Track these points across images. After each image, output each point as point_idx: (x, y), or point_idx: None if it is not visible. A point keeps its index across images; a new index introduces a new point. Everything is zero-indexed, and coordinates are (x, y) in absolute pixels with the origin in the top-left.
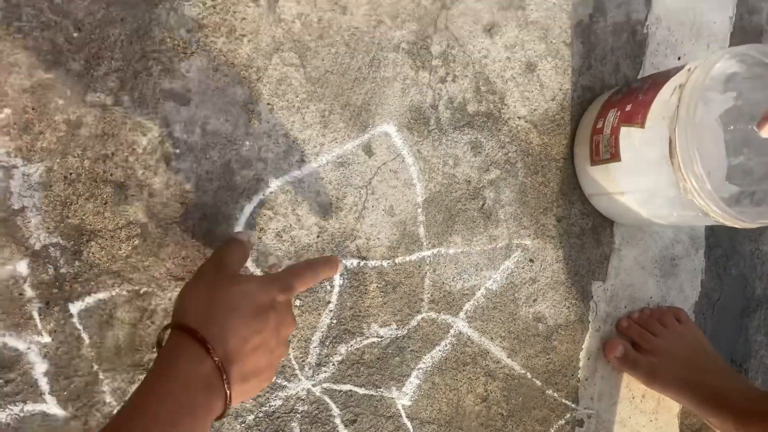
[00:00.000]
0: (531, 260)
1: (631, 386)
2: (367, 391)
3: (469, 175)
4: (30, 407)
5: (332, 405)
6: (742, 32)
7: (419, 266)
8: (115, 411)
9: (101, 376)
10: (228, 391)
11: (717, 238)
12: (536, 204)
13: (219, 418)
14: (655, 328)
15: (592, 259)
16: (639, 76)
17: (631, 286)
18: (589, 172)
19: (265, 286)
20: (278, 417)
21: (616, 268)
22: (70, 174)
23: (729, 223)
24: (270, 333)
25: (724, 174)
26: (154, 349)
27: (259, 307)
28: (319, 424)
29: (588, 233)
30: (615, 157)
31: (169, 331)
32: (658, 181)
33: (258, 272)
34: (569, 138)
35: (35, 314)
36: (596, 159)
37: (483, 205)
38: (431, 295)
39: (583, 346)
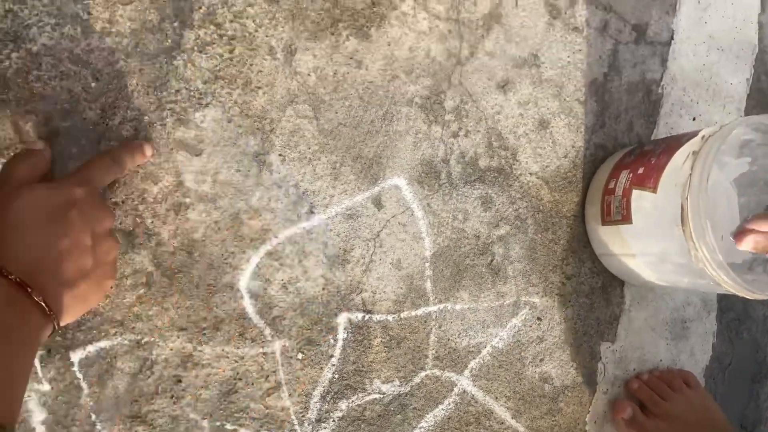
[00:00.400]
0: (539, 318)
1: None
2: None
3: (478, 231)
4: None
5: None
6: (759, 94)
7: (425, 321)
8: None
9: (98, 427)
10: (42, 303)
11: (729, 302)
12: (545, 261)
13: (53, 333)
14: (665, 392)
15: (602, 319)
16: (653, 136)
17: (640, 348)
18: (599, 231)
19: (54, 188)
20: None
21: (626, 329)
22: None
23: (741, 294)
24: (78, 231)
25: None
26: (154, 398)
27: (52, 210)
28: None
29: (598, 292)
30: (626, 219)
31: None
32: (669, 246)
33: (262, 324)
34: (581, 196)
35: (36, 362)
36: (607, 219)
37: (492, 261)
38: (436, 352)
39: (590, 409)
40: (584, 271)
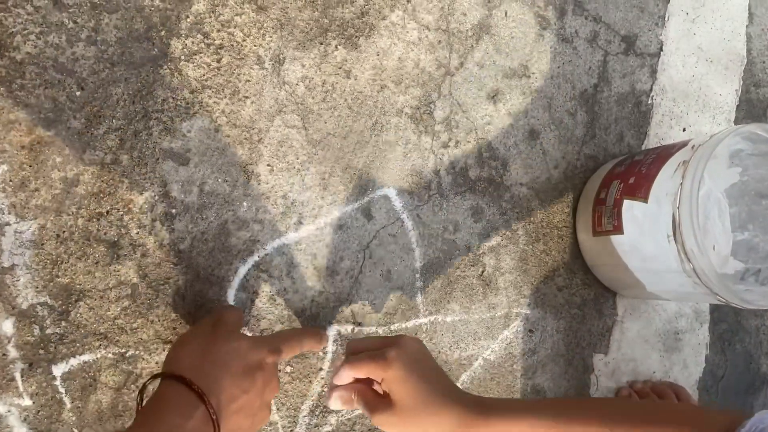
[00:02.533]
0: (531, 330)
1: None
2: None
3: (469, 242)
4: None
5: None
6: (749, 105)
7: (415, 334)
8: None
9: None
10: (214, 420)
11: (722, 313)
12: (537, 272)
13: None
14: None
15: (594, 331)
16: (643, 147)
17: (633, 360)
18: (591, 242)
19: (256, 346)
20: None
21: (618, 341)
22: (63, 232)
23: (733, 304)
24: (255, 394)
25: (729, 249)
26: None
27: (248, 366)
28: None
29: (590, 304)
30: (617, 229)
31: (159, 381)
32: (661, 257)
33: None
34: (571, 207)
35: (17, 375)
36: (598, 230)
37: (483, 272)
38: None
39: None
40: (576, 282)
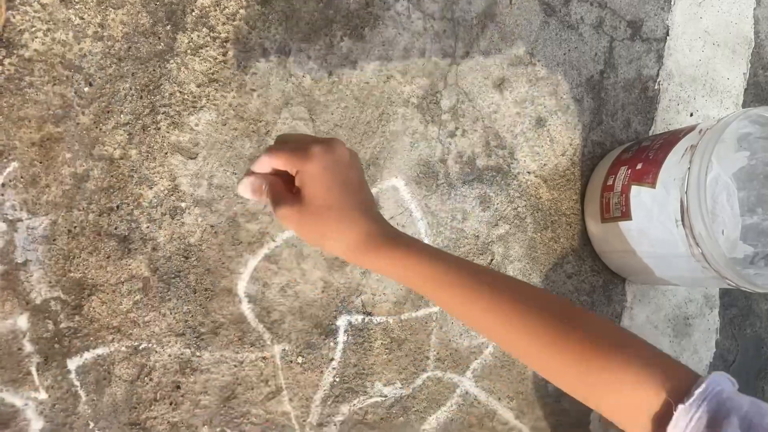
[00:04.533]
0: None
1: None
2: None
3: (477, 230)
4: None
5: None
6: (757, 88)
7: (426, 323)
8: None
9: None
10: None
11: (732, 297)
12: (546, 260)
13: None
14: None
15: None
16: (650, 132)
17: None
18: (599, 229)
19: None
20: None
21: (628, 327)
22: (75, 227)
23: (743, 288)
24: None
25: (738, 234)
26: (153, 405)
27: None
28: None
29: (599, 291)
30: (626, 215)
31: None
32: (669, 242)
33: (261, 328)
34: (579, 194)
35: (33, 370)
36: (607, 216)
37: (491, 260)
38: (437, 353)
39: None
40: (585, 269)
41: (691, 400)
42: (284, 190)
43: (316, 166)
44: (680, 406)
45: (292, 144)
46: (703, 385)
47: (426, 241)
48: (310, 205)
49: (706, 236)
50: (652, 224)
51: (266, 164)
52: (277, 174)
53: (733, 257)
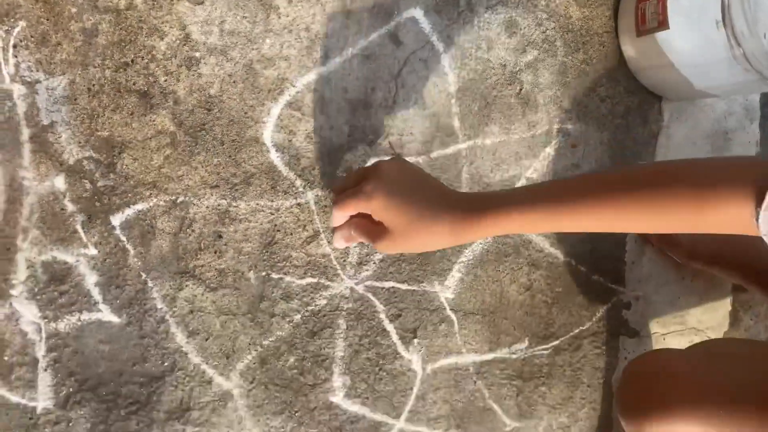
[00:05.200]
0: (573, 145)
1: (681, 267)
2: (409, 287)
3: (504, 59)
4: (86, 316)
5: (376, 302)
6: None
7: (456, 160)
8: (167, 316)
9: (150, 284)
10: None
11: None
12: (578, 85)
13: None
14: None
15: (639, 140)
16: None
17: None
18: (634, 44)
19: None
20: (324, 315)
21: (665, 147)
22: (93, 85)
23: None
24: None
25: None
26: (199, 255)
27: None
28: (365, 320)
29: (634, 112)
30: (663, 24)
31: None
32: (709, 47)
33: (293, 176)
34: (612, 9)
35: (79, 228)
36: (642, 29)
37: (520, 90)
38: (470, 189)
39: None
40: (619, 91)
41: None
42: (370, 225)
43: (379, 201)
44: None
45: (349, 192)
46: None
47: (450, 75)
48: (397, 229)
49: (747, 34)
50: (691, 30)
51: (341, 217)
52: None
53: None
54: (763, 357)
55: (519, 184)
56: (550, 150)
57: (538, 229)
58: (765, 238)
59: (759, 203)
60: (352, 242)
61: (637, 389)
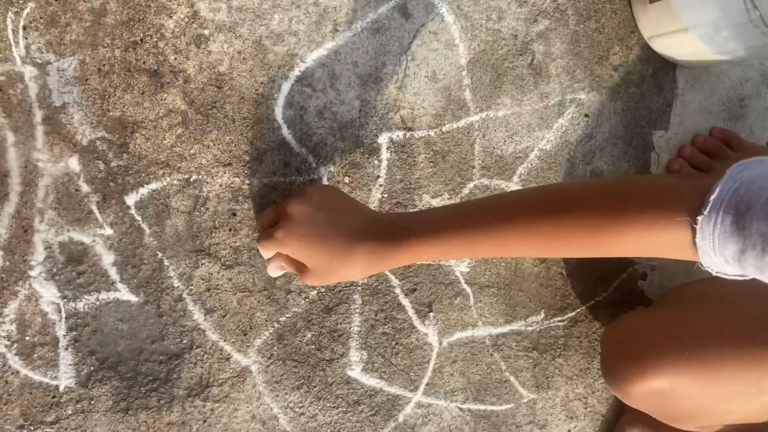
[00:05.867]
0: (586, 115)
1: None
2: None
3: (515, 29)
4: (104, 296)
5: (391, 276)
6: None
7: (468, 132)
8: (184, 294)
9: (166, 263)
10: None
11: None
12: (590, 54)
13: None
14: (721, 152)
15: (653, 108)
16: None
17: (696, 133)
18: (648, 10)
19: None
20: (339, 291)
21: (680, 115)
22: (104, 65)
23: None
24: None
25: None
26: (214, 233)
27: None
28: (380, 295)
29: (648, 80)
30: None
31: None
32: (724, 10)
33: (305, 152)
34: None
35: (94, 208)
36: None
37: (532, 60)
38: (482, 162)
39: None
40: (632, 59)
41: (708, 207)
42: (294, 260)
43: (290, 247)
44: (699, 218)
45: (264, 235)
46: (717, 190)
47: (461, 47)
48: (314, 268)
49: None
50: None
51: (267, 253)
52: None
53: None
54: (741, 296)
55: (532, 156)
56: (563, 121)
57: (455, 257)
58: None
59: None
60: (284, 270)
61: (612, 355)
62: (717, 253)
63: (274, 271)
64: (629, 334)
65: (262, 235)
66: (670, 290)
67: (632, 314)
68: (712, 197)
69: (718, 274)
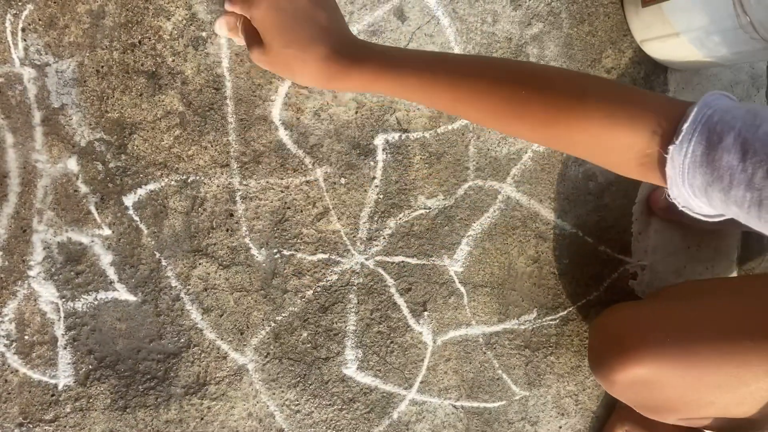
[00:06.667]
0: None
1: (687, 237)
2: (419, 261)
3: (509, 32)
4: (102, 295)
5: (386, 276)
6: None
7: (462, 134)
8: (182, 293)
9: (164, 263)
10: None
11: None
12: (584, 56)
13: None
14: None
15: None
16: None
17: None
18: (640, 14)
19: None
20: (336, 290)
21: None
22: (102, 67)
23: None
24: None
25: None
26: (211, 233)
27: None
28: (376, 294)
29: (640, 83)
30: None
31: None
32: (715, 16)
33: (301, 153)
34: None
35: (92, 209)
36: None
37: None
38: (477, 163)
39: (636, 201)
40: (625, 62)
41: (680, 137)
42: (254, 31)
43: (260, 10)
44: (670, 147)
45: None
46: (691, 117)
47: (456, 50)
48: (269, 45)
49: (754, 2)
50: None
51: (228, 7)
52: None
53: None
54: (725, 292)
55: (526, 158)
56: None
57: (407, 98)
58: (669, 191)
59: (664, 143)
60: (234, 35)
61: (598, 344)
62: (685, 183)
63: (222, 28)
64: (615, 324)
65: None
66: (660, 288)
67: (619, 306)
68: (685, 126)
69: (685, 210)
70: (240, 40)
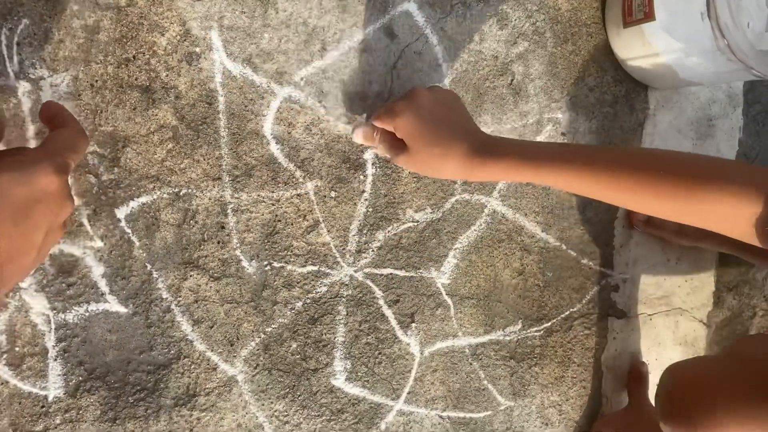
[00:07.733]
0: (563, 134)
1: (667, 250)
2: (407, 273)
3: (496, 51)
4: (93, 307)
5: (375, 288)
6: None
7: None
8: (173, 305)
9: (155, 275)
10: None
11: (756, 94)
12: (567, 75)
13: None
14: None
15: (626, 127)
16: None
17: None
18: (621, 35)
19: (25, 176)
20: (325, 302)
21: (651, 134)
22: (96, 81)
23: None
24: (35, 230)
25: (764, 26)
26: (202, 245)
27: (19, 206)
28: (364, 306)
29: (621, 101)
30: (649, 16)
31: None
32: (694, 38)
33: (292, 167)
34: (600, 0)
35: (85, 221)
36: (629, 20)
37: (512, 80)
38: None
39: (617, 215)
40: (607, 80)
41: None
42: (393, 139)
43: (403, 121)
44: None
45: (381, 108)
46: None
47: (443, 66)
48: (413, 150)
49: (732, 26)
50: (676, 21)
51: (377, 123)
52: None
53: (760, 49)
54: None
55: None
56: (541, 138)
57: (544, 183)
58: None
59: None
60: (371, 143)
61: (679, 397)
62: None
63: (360, 135)
64: (698, 383)
65: (382, 109)
66: (734, 345)
67: (701, 362)
68: None
69: None
70: (375, 147)
